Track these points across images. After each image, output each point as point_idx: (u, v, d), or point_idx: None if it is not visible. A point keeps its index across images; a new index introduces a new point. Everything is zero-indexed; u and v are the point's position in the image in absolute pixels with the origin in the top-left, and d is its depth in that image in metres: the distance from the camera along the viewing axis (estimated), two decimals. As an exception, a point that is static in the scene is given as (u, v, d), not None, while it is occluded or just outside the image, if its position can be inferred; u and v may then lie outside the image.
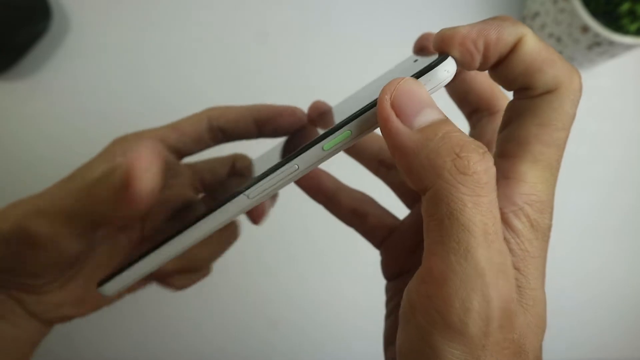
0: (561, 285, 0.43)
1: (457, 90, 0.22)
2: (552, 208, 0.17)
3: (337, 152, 0.17)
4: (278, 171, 0.17)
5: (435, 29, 0.51)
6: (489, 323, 0.14)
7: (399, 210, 0.26)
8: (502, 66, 0.17)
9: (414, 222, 0.23)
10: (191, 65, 0.44)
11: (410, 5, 0.46)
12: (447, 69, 0.16)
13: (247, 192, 0.18)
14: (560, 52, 0.43)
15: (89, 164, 0.23)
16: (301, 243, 0.44)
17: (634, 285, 0.45)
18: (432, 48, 0.17)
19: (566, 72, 0.16)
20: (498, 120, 0.20)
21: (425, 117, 0.15)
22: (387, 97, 0.15)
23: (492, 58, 0.17)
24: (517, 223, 0.16)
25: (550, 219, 0.17)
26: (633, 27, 0.38)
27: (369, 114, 0.16)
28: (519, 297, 0.15)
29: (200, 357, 0.43)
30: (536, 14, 0.43)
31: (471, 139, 0.14)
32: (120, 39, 0.44)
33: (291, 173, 0.17)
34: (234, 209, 0.18)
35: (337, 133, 0.16)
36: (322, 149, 0.17)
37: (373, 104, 0.16)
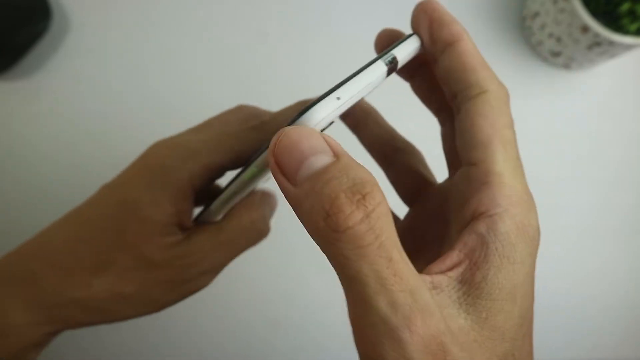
0: (560, 285, 0.43)
1: (423, 86, 0.22)
2: (535, 207, 0.17)
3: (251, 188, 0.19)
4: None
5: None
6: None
7: (400, 208, 0.26)
8: (444, 59, 0.18)
9: (409, 226, 0.23)
10: (191, 65, 0.44)
11: (410, 5, 0.46)
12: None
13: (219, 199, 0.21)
14: (560, 52, 0.43)
15: None
16: (301, 242, 0.44)
17: (633, 285, 0.45)
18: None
19: (495, 77, 0.18)
20: (460, 116, 0.19)
21: (306, 169, 0.14)
22: (270, 154, 0.14)
23: (438, 40, 0.18)
24: (502, 226, 0.16)
25: (537, 219, 0.17)
26: (633, 27, 0.38)
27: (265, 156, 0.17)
28: (469, 312, 0.15)
29: (199, 357, 0.43)
30: (536, 14, 0.43)
31: (352, 183, 0.13)
32: (120, 39, 0.44)
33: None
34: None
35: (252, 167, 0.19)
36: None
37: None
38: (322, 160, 0.14)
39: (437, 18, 0.19)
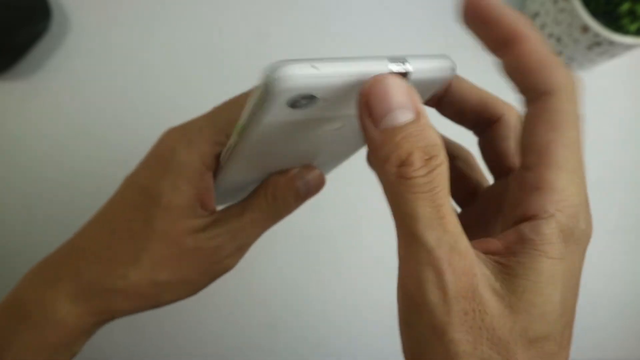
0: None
1: (452, 110, 0.22)
2: (587, 210, 0.18)
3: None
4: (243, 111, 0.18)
5: (435, 30, 0.51)
6: (446, 292, 0.15)
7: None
8: (504, 61, 0.18)
9: (468, 218, 0.23)
10: (191, 65, 0.44)
11: (410, 5, 0.46)
12: (444, 68, 0.17)
13: (235, 128, 0.19)
14: (560, 52, 0.43)
15: None
16: (300, 245, 0.44)
17: (633, 285, 0.45)
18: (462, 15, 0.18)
19: (564, 73, 0.17)
20: (503, 126, 0.21)
21: (391, 120, 0.16)
22: (362, 95, 0.16)
23: (502, 37, 0.17)
24: (546, 229, 0.16)
25: (586, 222, 0.17)
26: (633, 27, 0.38)
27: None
28: (507, 296, 0.16)
29: (198, 358, 0.43)
30: (536, 14, 0.43)
31: (425, 144, 0.16)
32: (120, 39, 0.44)
33: (250, 114, 0.17)
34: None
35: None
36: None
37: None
38: (406, 115, 0.16)
39: (491, 17, 0.18)
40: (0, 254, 0.40)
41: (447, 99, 0.22)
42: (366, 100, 0.16)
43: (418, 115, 0.16)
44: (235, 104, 0.24)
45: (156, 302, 0.25)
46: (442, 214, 0.15)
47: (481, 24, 0.18)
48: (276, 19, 0.45)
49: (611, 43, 0.38)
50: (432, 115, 0.20)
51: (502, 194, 0.20)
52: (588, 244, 0.17)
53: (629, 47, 0.38)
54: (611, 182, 0.45)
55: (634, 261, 0.45)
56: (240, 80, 0.44)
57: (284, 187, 0.26)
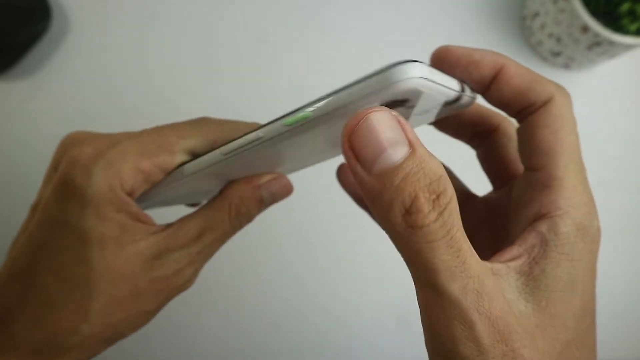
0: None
1: (449, 125, 0.23)
2: (596, 209, 0.18)
3: (296, 130, 0.16)
4: (241, 139, 0.18)
5: (435, 30, 0.51)
6: (480, 344, 0.14)
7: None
8: (494, 91, 0.18)
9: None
10: (191, 65, 0.44)
11: (410, 5, 0.46)
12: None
13: (221, 148, 0.18)
14: (560, 52, 0.43)
15: None
16: (301, 245, 0.44)
17: (632, 286, 0.45)
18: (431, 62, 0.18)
19: (553, 84, 0.18)
20: (502, 135, 0.22)
21: (384, 160, 0.14)
22: (346, 139, 0.14)
23: (477, 78, 0.18)
24: (563, 226, 0.16)
25: (598, 220, 0.18)
26: (633, 27, 0.38)
27: (336, 100, 0.15)
28: (529, 300, 0.16)
29: (198, 358, 0.43)
30: (536, 14, 0.43)
31: (429, 180, 0.14)
32: (120, 39, 0.44)
33: (255, 141, 0.17)
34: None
35: (297, 112, 0.16)
36: (283, 124, 0.17)
37: (344, 88, 0.15)
38: (400, 152, 0.14)
39: (465, 62, 0.19)
40: (1, 254, 0.40)
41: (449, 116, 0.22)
42: (350, 144, 0.14)
43: (413, 146, 0.14)
44: (169, 130, 0.22)
45: (115, 340, 0.22)
46: (463, 257, 0.14)
47: (458, 69, 0.19)
48: (276, 19, 0.45)
49: (611, 43, 0.38)
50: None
51: (508, 201, 0.20)
52: (599, 244, 0.18)
53: (629, 47, 0.38)
54: (611, 182, 0.45)
55: (634, 261, 0.45)
56: (240, 81, 0.45)
57: (250, 199, 0.23)
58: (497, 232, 0.21)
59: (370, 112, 0.14)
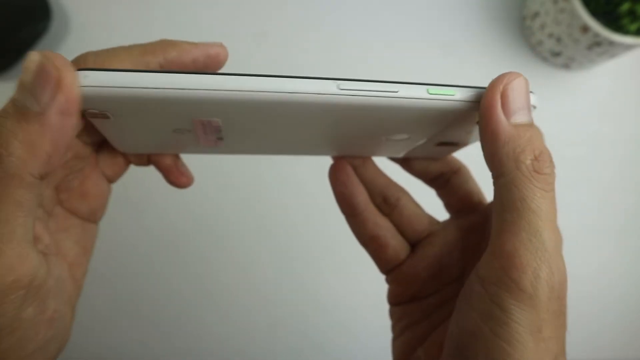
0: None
1: (417, 169, 0.26)
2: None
3: (433, 104, 0.17)
4: (379, 84, 0.17)
5: (435, 31, 0.51)
6: (552, 291, 0.16)
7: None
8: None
9: (431, 254, 0.24)
10: (191, 65, 0.44)
11: (410, 6, 0.46)
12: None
13: (339, 82, 0.17)
14: (560, 52, 0.43)
15: None
16: (301, 245, 0.44)
17: (633, 285, 0.45)
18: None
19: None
20: (464, 174, 0.25)
21: (521, 117, 0.17)
22: (500, 86, 0.17)
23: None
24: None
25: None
26: (633, 27, 0.38)
27: (476, 91, 0.18)
28: None
29: (199, 357, 0.43)
30: (536, 14, 0.43)
31: (546, 148, 0.17)
32: (120, 39, 0.43)
33: (388, 92, 0.17)
34: (315, 89, 0.17)
35: (445, 87, 0.17)
36: (427, 91, 0.17)
37: (483, 87, 0.18)
38: (529, 115, 0.18)
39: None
40: None
41: (413, 159, 0.25)
42: (503, 92, 0.17)
43: (532, 120, 0.18)
44: None
45: None
46: (555, 218, 0.17)
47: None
48: (275, 19, 0.45)
49: (611, 43, 0.38)
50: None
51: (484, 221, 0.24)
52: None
53: (629, 47, 0.38)
54: (611, 182, 0.45)
55: (635, 261, 0.45)
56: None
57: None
58: (470, 250, 0.24)
59: (520, 75, 0.17)
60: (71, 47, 0.43)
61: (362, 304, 0.43)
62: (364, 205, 0.25)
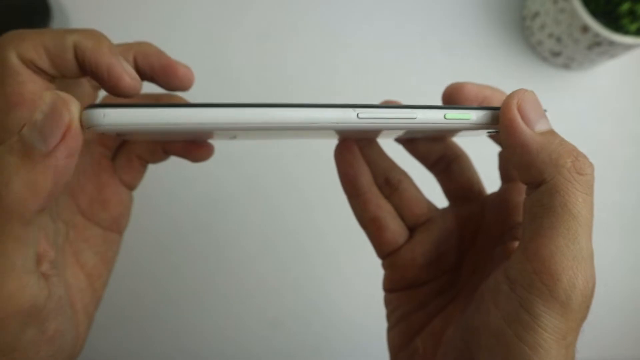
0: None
1: (419, 151, 0.26)
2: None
3: (449, 128, 0.18)
4: (397, 110, 0.17)
5: (435, 31, 0.51)
6: (584, 301, 0.16)
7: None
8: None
9: (429, 240, 0.24)
10: (191, 65, 0.44)
11: (410, 6, 0.46)
12: None
13: (359, 110, 0.17)
14: (560, 52, 0.43)
15: None
16: (301, 244, 0.44)
17: (633, 286, 0.45)
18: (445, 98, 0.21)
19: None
20: (464, 161, 0.25)
21: (543, 125, 0.18)
22: (514, 101, 0.17)
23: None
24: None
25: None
26: (633, 27, 0.38)
27: (491, 113, 0.18)
28: None
29: (200, 357, 0.43)
30: (536, 14, 0.43)
31: (579, 150, 0.17)
32: (120, 39, 0.44)
33: (406, 118, 0.17)
34: (334, 118, 0.17)
35: (461, 111, 0.18)
36: (444, 116, 0.18)
37: (497, 108, 0.18)
38: (548, 124, 0.18)
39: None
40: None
41: (417, 140, 0.25)
42: (520, 106, 0.17)
43: (552, 128, 0.18)
44: None
45: None
46: (592, 223, 0.17)
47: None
48: (277, 20, 0.45)
49: (611, 43, 0.38)
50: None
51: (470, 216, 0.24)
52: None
53: (629, 47, 0.38)
54: (611, 182, 0.45)
55: (635, 261, 0.45)
56: (240, 81, 0.45)
57: None
58: (466, 239, 0.24)
59: (528, 90, 0.18)
60: (71, 47, 0.43)
61: (365, 303, 0.43)
62: (367, 186, 0.25)
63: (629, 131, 0.46)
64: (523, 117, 0.17)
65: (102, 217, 0.23)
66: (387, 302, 0.26)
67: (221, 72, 0.44)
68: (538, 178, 0.17)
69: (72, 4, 0.44)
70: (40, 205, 0.15)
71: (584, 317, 0.17)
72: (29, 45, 0.18)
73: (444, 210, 0.25)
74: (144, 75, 0.22)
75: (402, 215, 0.25)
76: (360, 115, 0.17)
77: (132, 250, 0.42)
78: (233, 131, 0.18)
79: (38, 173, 0.15)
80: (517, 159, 0.18)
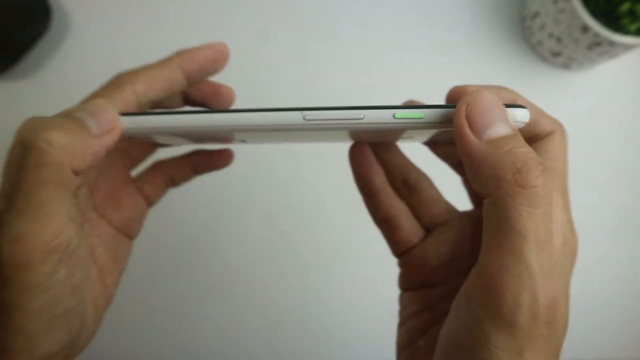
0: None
1: (443, 151, 0.25)
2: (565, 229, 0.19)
3: (400, 128, 0.18)
4: (343, 111, 0.18)
5: (435, 31, 0.51)
6: (536, 318, 0.15)
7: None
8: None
9: (444, 241, 0.24)
10: (191, 65, 0.44)
11: (410, 6, 0.46)
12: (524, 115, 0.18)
13: (305, 112, 0.18)
14: (560, 52, 0.43)
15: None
16: (301, 244, 0.44)
17: (632, 286, 0.45)
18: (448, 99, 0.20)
19: (554, 120, 0.20)
20: None
21: (495, 130, 0.16)
22: (464, 107, 0.16)
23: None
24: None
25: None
26: (633, 27, 0.38)
27: (446, 112, 0.17)
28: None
29: (200, 356, 0.43)
30: (536, 14, 0.43)
31: (535, 156, 0.16)
32: (120, 39, 0.44)
33: (353, 119, 0.18)
34: (282, 120, 0.18)
35: (412, 110, 0.17)
36: (393, 116, 0.17)
37: (452, 106, 0.17)
38: (505, 128, 0.16)
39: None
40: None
41: (441, 142, 0.25)
42: (467, 112, 0.16)
43: (515, 131, 0.16)
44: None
45: None
46: (551, 236, 0.16)
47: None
48: (276, 19, 0.45)
49: (611, 43, 0.38)
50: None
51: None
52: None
53: (629, 47, 0.38)
54: (611, 182, 0.45)
55: (635, 261, 0.45)
56: (240, 81, 0.44)
57: None
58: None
59: (484, 91, 0.16)
60: (71, 47, 0.43)
61: (364, 303, 0.43)
62: (380, 186, 0.25)
63: (629, 131, 0.46)
64: (471, 124, 0.16)
65: (114, 216, 0.24)
66: (400, 300, 0.26)
67: (222, 73, 0.44)
68: (483, 191, 0.16)
69: (72, 4, 0.44)
70: (80, 168, 0.17)
71: (544, 334, 0.16)
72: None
73: (464, 213, 0.25)
74: (195, 102, 0.26)
75: (419, 216, 0.25)
76: (306, 117, 0.18)
77: (133, 250, 0.42)
78: (238, 136, 0.20)
79: (87, 144, 0.17)
80: (467, 171, 0.17)
